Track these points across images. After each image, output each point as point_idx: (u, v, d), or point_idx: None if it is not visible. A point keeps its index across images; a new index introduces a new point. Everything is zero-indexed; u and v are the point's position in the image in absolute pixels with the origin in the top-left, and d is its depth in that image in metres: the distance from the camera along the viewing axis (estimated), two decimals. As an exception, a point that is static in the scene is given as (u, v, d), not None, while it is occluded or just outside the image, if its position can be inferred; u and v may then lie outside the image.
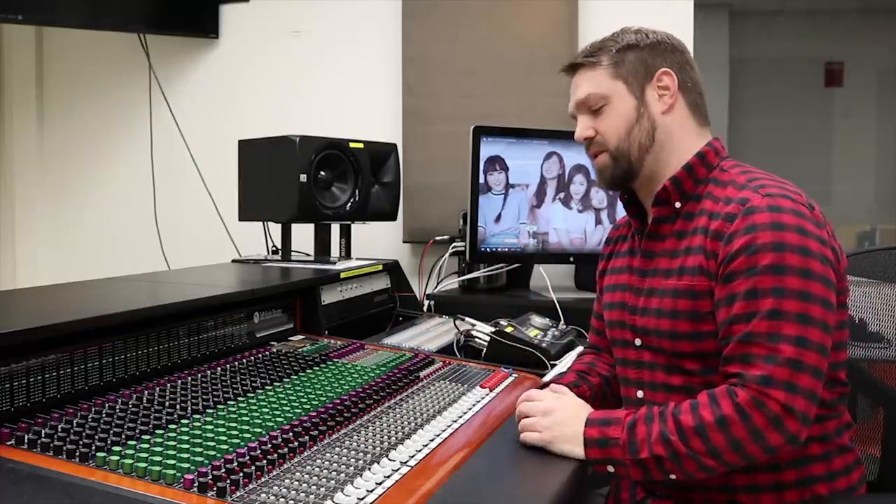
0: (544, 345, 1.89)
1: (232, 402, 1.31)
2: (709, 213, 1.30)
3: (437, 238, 2.62)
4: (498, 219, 2.39)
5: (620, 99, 1.36)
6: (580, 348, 1.96)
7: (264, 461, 1.04)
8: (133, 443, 1.08)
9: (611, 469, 1.23)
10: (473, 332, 1.95)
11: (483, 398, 1.48)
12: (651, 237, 1.40)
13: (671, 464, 1.19)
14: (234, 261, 2.40)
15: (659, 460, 1.19)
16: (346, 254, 2.48)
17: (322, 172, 2.29)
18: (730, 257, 1.23)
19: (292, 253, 2.37)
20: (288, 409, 1.29)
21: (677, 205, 1.36)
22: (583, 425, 1.25)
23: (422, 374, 1.60)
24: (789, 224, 1.20)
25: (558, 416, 1.27)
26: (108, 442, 1.07)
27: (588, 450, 1.23)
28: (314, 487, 1.00)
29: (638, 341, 1.39)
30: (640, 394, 1.39)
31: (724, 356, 1.23)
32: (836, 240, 1.28)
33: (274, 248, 2.52)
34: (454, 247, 2.56)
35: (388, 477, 1.06)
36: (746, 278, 1.20)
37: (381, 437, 1.21)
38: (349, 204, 2.33)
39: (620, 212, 2.46)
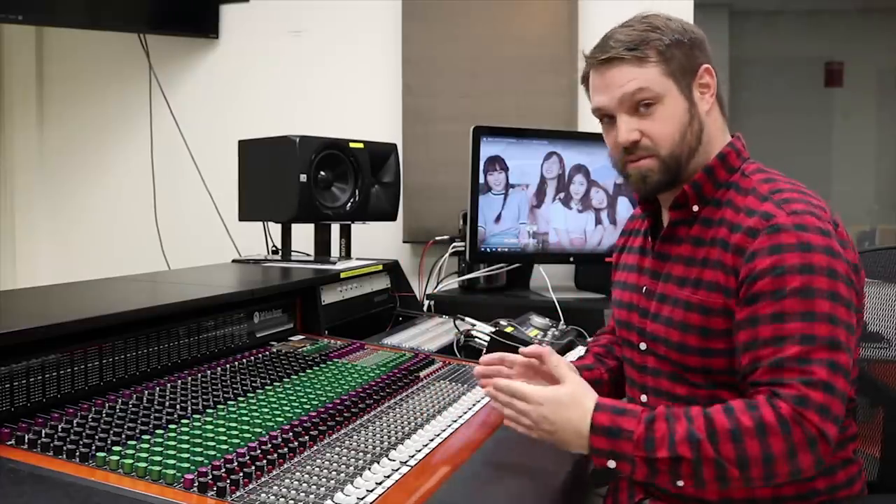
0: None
1: (232, 402, 1.31)
2: (729, 225, 1.24)
3: (437, 238, 2.62)
4: (498, 219, 2.39)
5: (673, 99, 1.25)
6: (580, 349, 1.96)
7: (264, 461, 1.04)
8: (133, 443, 1.08)
9: (611, 464, 1.13)
10: (473, 332, 1.95)
11: (483, 398, 1.47)
12: (666, 240, 1.34)
13: (689, 468, 1.09)
14: (234, 261, 2.40)
15: (677, 462, 1.09)
16: (346, 254, 2.48)
17: (322, 172, 2.29)
18: (753, 277, 1.16)
19: (292, 253, 2.37)
20: (288, 409, 1.29)
21: (695, 208, 1.29)
22: (589, 409, 1.14)
23: (422, 374, 1.60)
24: (817, 245, 1.15)
25: (554, 409, 1.16)
26: (108, 442, 1.07)
27: (594, 437, 1.12)
28: (314, 487, 1.00)
29: (643, 345, 1.34)
30: (643, 398, 1.35)
31: (754, 381, 1.15)
32: (855, 253, 1.23)
33: (274, 248, 2.52)
34: (454, 247, 2.56)
35: (388, 477, 1.06)
36: (773, 301, 1.14)
37: (381, 437, 1.21)
38: (349, 204, 2.33)
39: (620, 212, 2.47)
